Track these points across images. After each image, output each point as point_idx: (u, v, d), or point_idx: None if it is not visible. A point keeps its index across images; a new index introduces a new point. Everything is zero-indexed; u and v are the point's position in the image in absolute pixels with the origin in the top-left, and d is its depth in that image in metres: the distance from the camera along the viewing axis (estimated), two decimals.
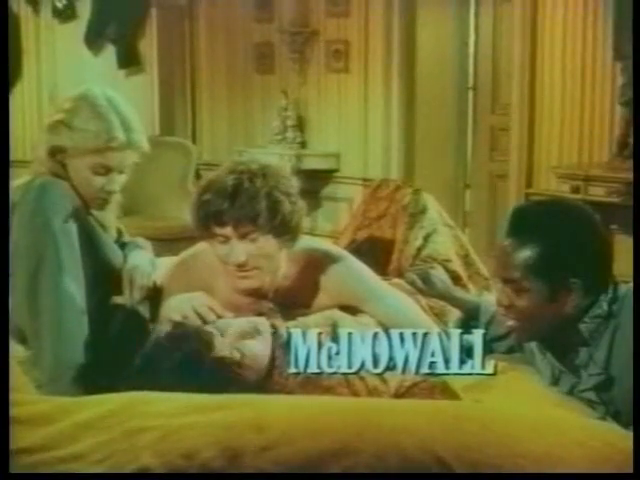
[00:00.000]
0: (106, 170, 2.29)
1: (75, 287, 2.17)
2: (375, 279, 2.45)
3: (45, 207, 2.18)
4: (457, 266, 2.79)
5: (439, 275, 2.63)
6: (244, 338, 2.09)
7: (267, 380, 2.08)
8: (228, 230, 2.19)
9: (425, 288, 2.55)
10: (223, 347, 2.04)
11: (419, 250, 2.77)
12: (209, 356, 2.01)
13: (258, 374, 2.08)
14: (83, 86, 2.35)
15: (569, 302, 2.02)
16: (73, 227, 2.21)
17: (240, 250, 2.20)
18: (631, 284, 2.11)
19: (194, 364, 1.98)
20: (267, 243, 2.22)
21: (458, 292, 2.58)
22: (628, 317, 2.01)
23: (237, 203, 2.15)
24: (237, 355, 2.05)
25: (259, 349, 2.10)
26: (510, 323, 2.13)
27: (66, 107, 2.31)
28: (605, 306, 2.03)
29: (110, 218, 2.41)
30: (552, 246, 2.01)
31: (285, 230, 2.24)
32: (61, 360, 2.12)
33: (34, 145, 2.37)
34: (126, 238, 2.53)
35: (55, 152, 2.29)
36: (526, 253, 2.01)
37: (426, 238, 2.80)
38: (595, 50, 5.12)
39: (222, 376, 1.99)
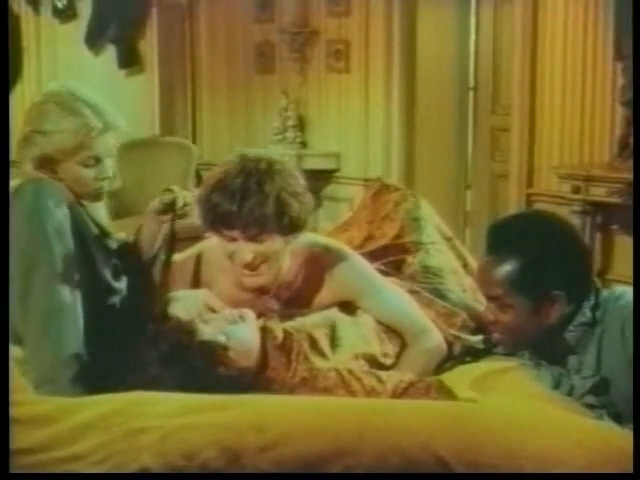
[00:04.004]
0: (95, 160, 2.29)
1: (69, 288, 2.16)
2: (374, 274, 2.44)
3: (39, 209, 2.17)
4: (462, 276, 2.77)
5: (450, 287, 2.62)
6: (227, 324, 2.10)
7: (261, 376, 2.09)
8: (236, 233, 2.19)
9: (437, 300, 2.55)
10: (207, 332, 2.06)
11: (426, 260, 2.74)
12: (194, 342, 2.03)
13: (248, 360, 2.08)
14: (43, 89, 2.32)
15: (553, 313, 2.01)
16: (67, 228, 2.20)
17: (247, 250, 2.21)
18: (613, 288, 2.12)
19: (181, 351, 2.00)
20: (274, 242, 2.22)
21: (470, 302, 2.58)
22: (613, 321, 2.00)
23: (245, 208, 2.14)
24: (222, 338, 2.06)
25: (244, 333, 2.11)
26: (497, 337, 2.13)
27: (32, 115, 2.29)
28: (589, 313, 2.02)
29: (103, 214, 2.40)
30: (532, 260, 2.00)
31: (292, 228, 2.25)
32: (54, 362, 2.11)
33: (17, 165, 2.33)
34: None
35: (42, 163, 2.26)
36: (507, 269, 2.00)
37: (430, 248, 2.77)
38: (596, 50, 5.11)
39: (209, 359, 2.01)
